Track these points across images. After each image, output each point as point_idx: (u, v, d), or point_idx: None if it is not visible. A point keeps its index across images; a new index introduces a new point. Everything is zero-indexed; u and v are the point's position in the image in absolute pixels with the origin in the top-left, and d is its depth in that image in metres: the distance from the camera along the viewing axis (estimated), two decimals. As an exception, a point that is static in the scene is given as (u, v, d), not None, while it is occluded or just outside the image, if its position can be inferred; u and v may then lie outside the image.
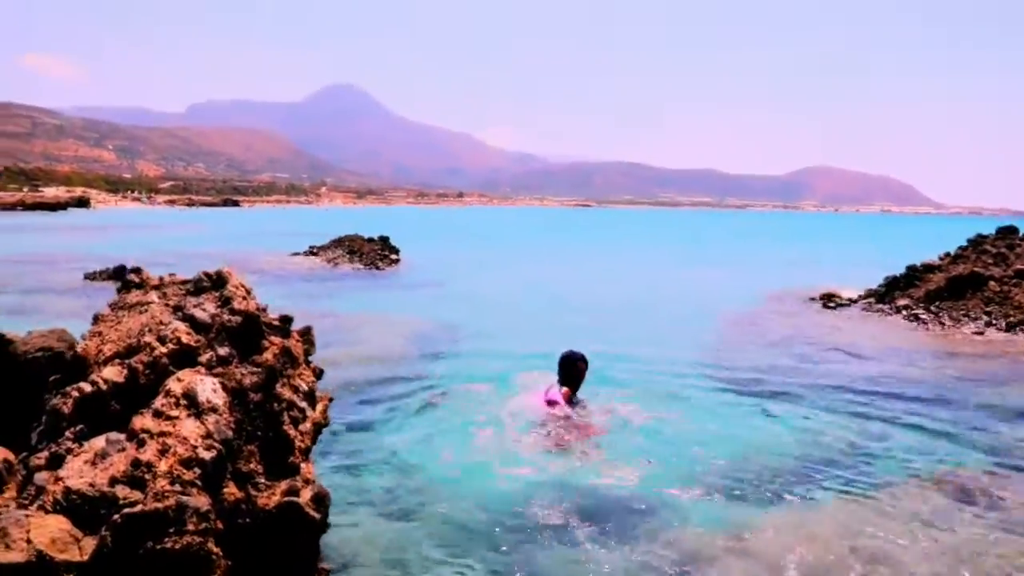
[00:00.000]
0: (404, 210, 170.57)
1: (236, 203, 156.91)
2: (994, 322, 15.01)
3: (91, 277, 20.22)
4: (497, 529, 5.53)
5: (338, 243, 29.33)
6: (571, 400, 8.57)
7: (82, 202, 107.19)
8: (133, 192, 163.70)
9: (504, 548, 5.26)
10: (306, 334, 4.52)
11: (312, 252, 28.94)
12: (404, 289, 20.87)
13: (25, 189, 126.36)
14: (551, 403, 8.45)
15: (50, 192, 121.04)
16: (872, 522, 5.83)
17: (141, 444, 3.40)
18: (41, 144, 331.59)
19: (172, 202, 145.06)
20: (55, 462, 3.66)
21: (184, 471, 3.29)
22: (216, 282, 4.62)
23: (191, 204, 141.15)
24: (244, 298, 4.39)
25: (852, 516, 5.95)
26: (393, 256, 27.99)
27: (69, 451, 3.69)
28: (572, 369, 8.67)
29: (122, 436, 3.56)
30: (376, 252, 27.96)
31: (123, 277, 17.85)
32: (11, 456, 4.16)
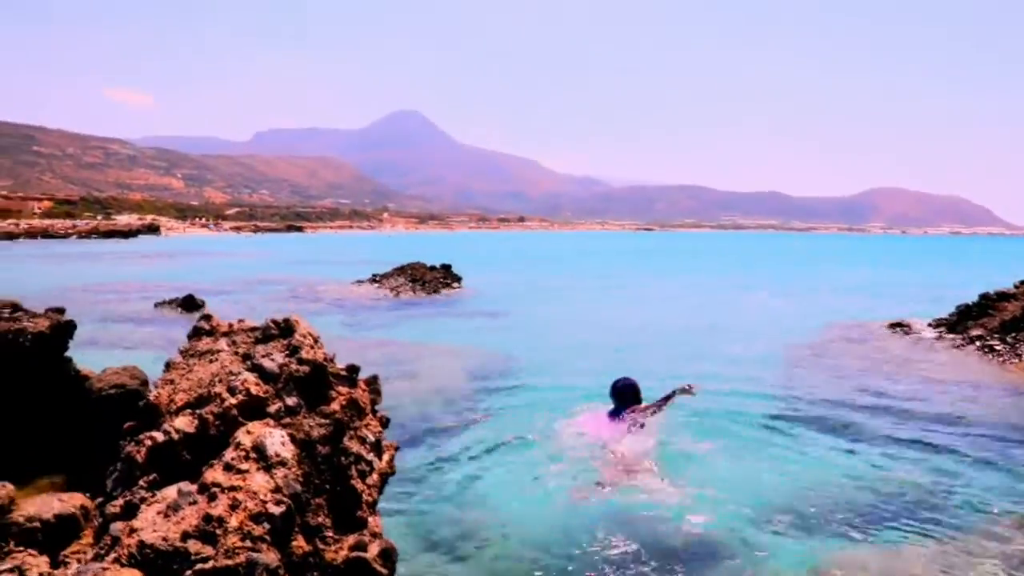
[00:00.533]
0: (466, 235, 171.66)
1: (300, 228, 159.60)
2: (1073, 354, 14.55)
3: (161, 306, 20.70)
4: (567, 569, 5.51)
5: (400, 271, 29.58)
6: (630, 426, 8.63)
7: (152, 229, 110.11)
8: (200, 219, 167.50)
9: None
10: (372, 383, 4.56)
11: (375, 280, 29.23)
12: (466, 318, 20.95)
13: (99, 217, 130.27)
14: (608, 430, 8.63)
15: (122, 220, 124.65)
16: (953, 565, 5.68)
17: (212, 498, 3.46)
18: (115, 173, 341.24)
19: (238, 228, 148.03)
20: (130, 511, 3.74)
21: (254, 526, 3.34)
22: (284, 330, 4.69)
23: (256, 230, 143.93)
24: (312, 347, 4.44)
25: (931, 559, 5.80)
26: (455, 284, 28.16)
27: (143, 500, 3.77)
28: (626, 396, 8.91)
29: (193, 487, 3.62)
30: (438, 280, 28.16)
31: (191, 307, 18.20)
32: (88, 503, 4.27)
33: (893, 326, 18.53)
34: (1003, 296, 18.24)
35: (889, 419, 10.14)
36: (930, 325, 18.62)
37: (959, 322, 18.11)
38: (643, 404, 9.02)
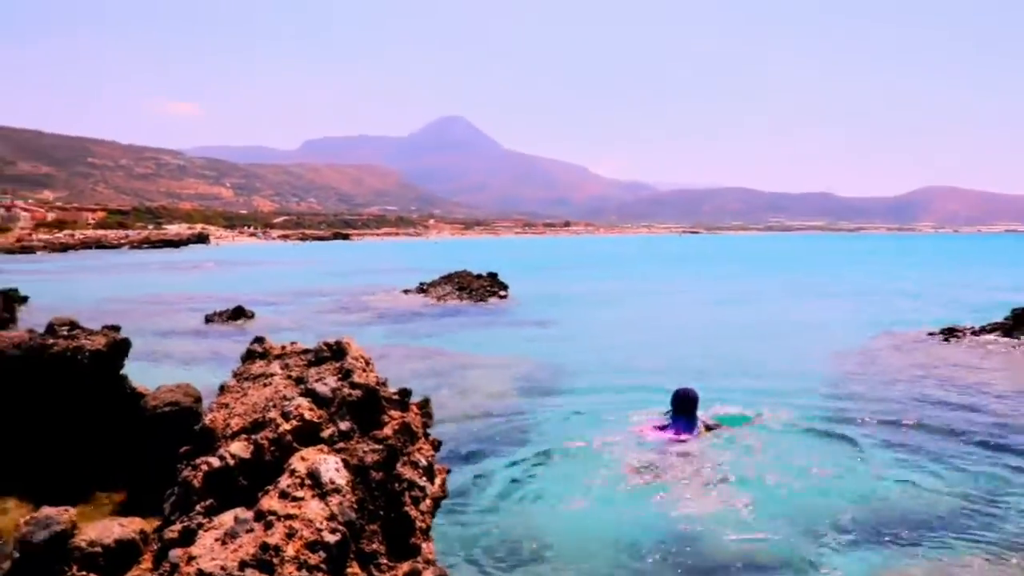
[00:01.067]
0: (511, 241, 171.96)
1: (346, 236, 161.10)
2: None
3: (211, 319, 21.00)
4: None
5: (447, 279, 29.70)
6: (686, 431, 9.05)
7: (201, 238, 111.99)
8: (249, 227, 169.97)
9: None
10: (424, 406, 4.58)
11: (422, 289, 29.38)
12: (513, 327, 20.97)
13: (151, 227, 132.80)
14: (669, 437, 8.95)
15: (172, 229, 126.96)
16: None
17: (269, 526, 3.50)
18: (165, 183, 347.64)
19: (285, 236, 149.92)
20: (187, 537, 3.80)
21: (310, 555, 3.37)
22: (336, 352, 4.73)
23: (303, 238, 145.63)
24: (364, 370, 4.48)
25: (986, 573, 5.69)
26: (502, 292, 28.20)
27: (200, 526, 3.82)
28: (685, 404, 9.20)
29: (250, 515, 3.67)
30: (485, 288, 28.22)
31: (241, 318, 18.41)
32: (147, 526, 4.34)
33: (945, 331, 18.16)
34: (1061, 299, 17.85)
35: (943, 429, 9.94)
36: (985, 330, 18.23)
37: (1015, 327, 17.73)
38: (705, 417, 9.41)
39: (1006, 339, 17.09)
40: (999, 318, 18.69)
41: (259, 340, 5.24)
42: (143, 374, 11.15)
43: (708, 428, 9.28)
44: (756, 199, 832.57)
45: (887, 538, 6.35)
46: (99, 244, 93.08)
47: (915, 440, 9.42)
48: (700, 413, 9.36)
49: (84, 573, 3.88)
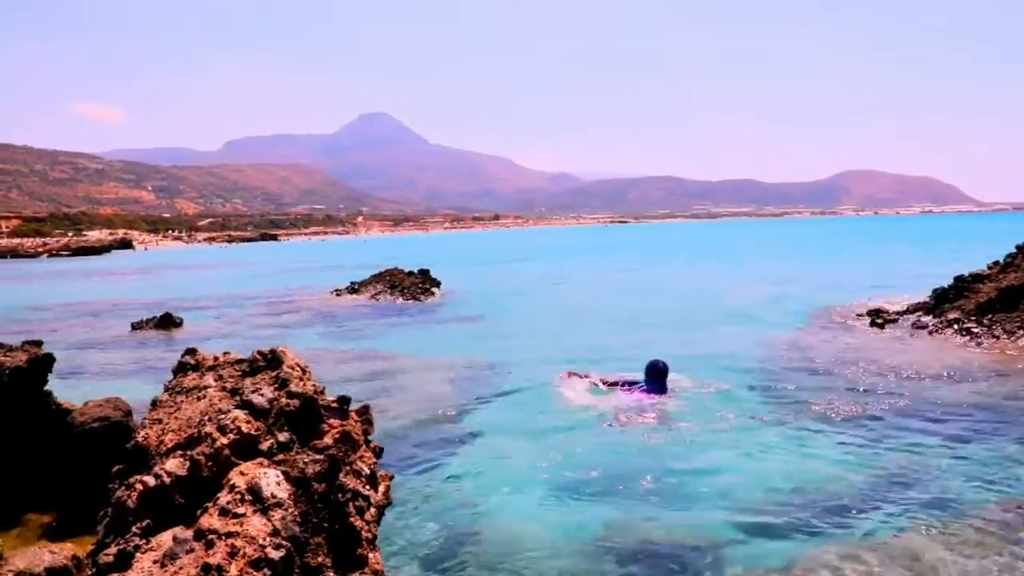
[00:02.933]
0: (441, 236, 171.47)
1: (274, 237, 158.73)
2: (1050, 333, 14.68)
3: (138, 327, 20.47)
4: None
5: (379, 278, 29.46)
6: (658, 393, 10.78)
7: (125, 243, 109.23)
8: (173, 231, 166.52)
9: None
10: (364, 413, 4.50)
11: (353, 289, 29.10)
12: (446, 324, 20.88)
13: (70, 234, 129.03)
14: (641, 397, 10.71)
15: (93, 235, 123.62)
16: (938, 554, 5.71)
17: (210, 545, 3.40)
18: (84, 188, 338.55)
19: (212, 239, 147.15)
20: (123, 560, 3.68)
21: (254, 573, 3.28)
22: (271, 362, 4.62)
23: (230, 240, 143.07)
24: (301, 379, 4.38)
25: (918, 548, 5.83)
26: (434, 289, 28.07)
27: (137, 548, 3.70)
28: (658, 373, 10.85)
29: (189, 534, 3.56)
30: (417, 285, 28.05)
31: (169, 325, 18.00)
32: (80, 551, 4.20)
33: (871, 313, 18.60)
34: (977, 278, 18.38)
35: (871, 409, 10.19)
36: (908, 310, 18.72)
37: (936, 306, 18.22)
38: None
39: (928, 317, 17.55)
40: (922, 298, 19.20)
41: (191, 352, 5.10)
42: (68, 388, 10.84)
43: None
44: (681, 187, 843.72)
45: (815, 518, 6.48)
46: (14, 253, 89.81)
47: (839, 419, 9.65)
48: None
49: (15, 604, 3.73)
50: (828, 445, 8.72)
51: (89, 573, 3.88)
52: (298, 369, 4.56)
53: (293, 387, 4.30)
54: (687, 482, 7.57)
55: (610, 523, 6.50)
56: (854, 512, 6.59)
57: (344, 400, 4.41)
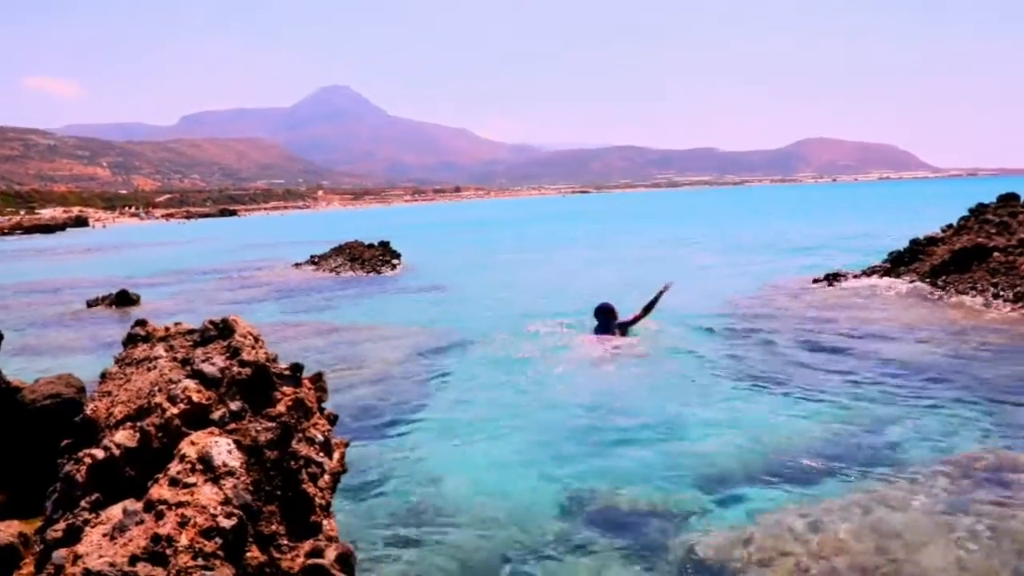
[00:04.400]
0: (402, 209, 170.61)
1: (233, 212, 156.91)
2: (1001, 293, 14.91)
3: (93, 304, 20.14)
4: (524, 546, 5.51)
5: (339, 251, 29.27)
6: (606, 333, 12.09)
7: (80, 221, 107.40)
8: (130, 208, 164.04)
9: (531, 564, 5.26)
10: (318, 380, 4.45)
11: (314, 262, 28.89)
12: (407, 295, 20.79)
13: (22, 212, 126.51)
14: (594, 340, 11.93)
15: (47, 213, 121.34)
16: (890, 510, 5.81)
17: (160, 516, 3.34)
18: (35, 165, 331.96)
19: (170, 215, 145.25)
20: (72, 535, 3.61)
21: (205, 542, 3.23)
22: (223, 331, 4.55)
23: (189, 216, 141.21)
24: (253, 347, 4.32)
25: (871, 505, 5.92)
26: (394, 261, 27.93)
27: (86, 522, 3.63)
28: (605, 314, 12.26)
29: (139, 506, 3.50)
30: (377, 257, 27.90)
31: (126, 303, 17.75)
32: (27, 529, 4.12)
33: (829, 276, 18.80)
34: (932, 240, 18.66)
35: (828, 368, 10.34)
36: (864, 273, 18.95)
37: (892, 269, 18.49)
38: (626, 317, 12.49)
39: (885, 280, 17.79)
40: (877, 261, 19.47)
41: (141, 323, 5.01)
42: (21, 366, 10.66)
43: (622, 332, 12.24)
44: (642, 157, 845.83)
45: (774, 476, 6.56)
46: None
47: (795, 381, 9.75)
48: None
49: (-39, 582, 3.66)
50: (783, 403, 8.83)
51: (37, 550, 3.81)
52: (250, 338, 4.49)
53: (245, 355, 4.24)
54: (647, 440, 7.65)
55: (571, 485, 6.53)
56: (811, 470, 6.68)
57: (297, 367, 4.36)
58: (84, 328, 16.98)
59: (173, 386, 4.07)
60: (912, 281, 16.91)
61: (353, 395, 9.90)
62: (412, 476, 6.99)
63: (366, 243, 29.72)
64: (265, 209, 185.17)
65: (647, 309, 12.81)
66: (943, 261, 17.03)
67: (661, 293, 13.04)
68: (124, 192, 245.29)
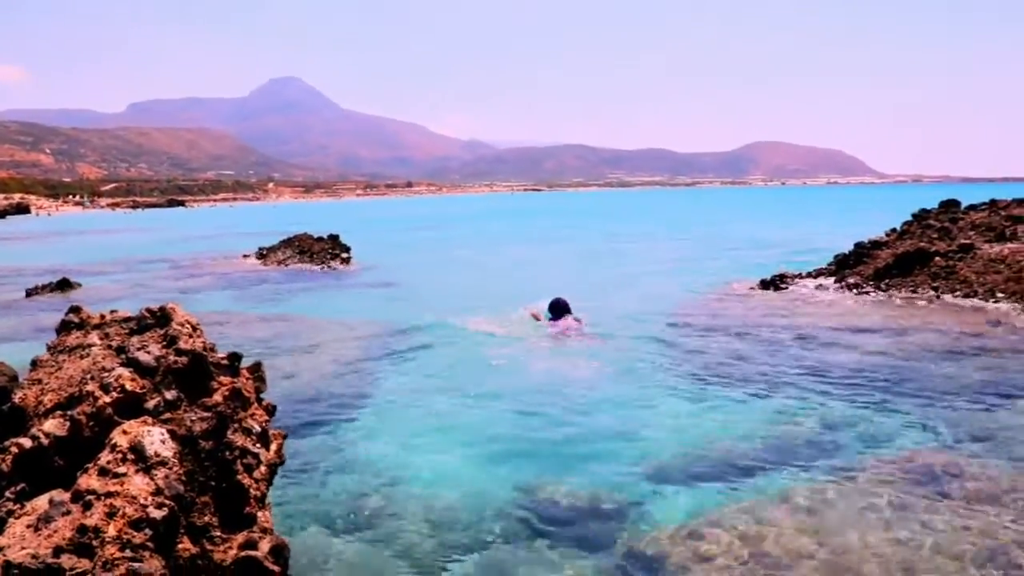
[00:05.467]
0: (353, 203, 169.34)
1: (182, 203, 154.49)
2: (942, 296, 15.25)
3: (33, 292, 19.67)
4: (465, 535, 5.49)
5: (288, 243, 28.93)
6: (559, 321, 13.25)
7: (21, 209, 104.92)
8: (74, 196, 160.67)
9: (474, 557, 5.24)
10: (256, 370, 4.38)
11: (262, 254, 28.54)
12: (356, 289, 20.64)
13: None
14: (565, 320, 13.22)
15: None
16: (832, 506, 5.89)
17: (88, 506, 3.26)
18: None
19: (115, 205, 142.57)
20: (-4, 525, 3.50)
21: (134, 534, 3.15)
22: (160, 319, 4.46)
23: (135, 206, 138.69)
24: (190, 336, 4.23)
25: (813, 502, 6.00)
26: (344, 255, 27.66)
27: (10, 513, 3.52)
28: (560, 307, 13.52)
29: (66, 497, 3.41)
30: (327, 251, 27.62)
31: (67, 289, 17.33)
32: (-50, 519, 3.99)
33: (776, 278, 19.02)
34: (876, 244, 18.99)
35: (773, 370, 10.45)
36: (810, 275, 19.21)
37: (837, 271, 18.79)
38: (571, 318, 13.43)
39: (830, 283, 18.05)
40: (823, 264, 19.76)
41: (75, 310, 4.89)
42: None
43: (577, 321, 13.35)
44: (595, 156, 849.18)
45: (718, 476, 6.62)
46: None
47: (743, 384, 9.82)
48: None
49: None
50: (727, 403, 8.91)
51: (-40, 540, 3.69)
52: (188, 326, 4.40)
53: (182, 344, 4.16)
54: (591, 436, 7.70)
55: (518, 481, 6.52)
56: (752, 468, 6.75)
57: (235, 357, 4.28)
58: (22, 315, 16.58)
59: (106, 374, 3.97)
60: (856, 283, 17.19)
61: (295, 386, 9.80)
62: (354, 468, 6.92)
63: (315, 236, 29.42)
64: (214, 200, 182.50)
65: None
66: (887, 264, 17.35)
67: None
68: (68, 180, 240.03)
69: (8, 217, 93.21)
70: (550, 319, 13.50)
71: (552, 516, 5.87)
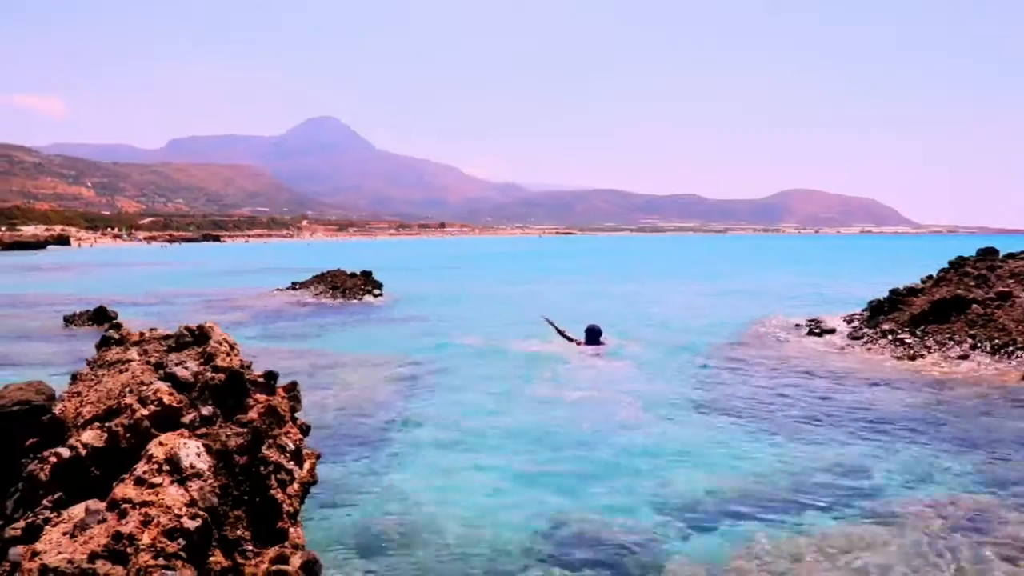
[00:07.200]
0: (386, 242, 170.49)
1: (217, 238, 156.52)
2: (979, 345, 15.00)
3: (71, 321, 19.95)
4: (488, 565, 5.44)
5: (320, 278, 29.15)
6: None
7: (62, 239, 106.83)
8: (113, 229, 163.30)
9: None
10: (292, 390, 4.40)
11: (294, 288, 28.77)
12: (387, 324, 20.71)
13: (3, 228, 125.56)
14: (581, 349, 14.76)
15: (29, 230, 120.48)
16: (863, 548, 5.79)
17: (123, 515, 3.28)
18: (19, 182, 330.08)
19: (152, 238, 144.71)
20: (32, 533, 3.53)
21: (168, 543, 3.17)
22: (198, 337, 4.50)
23: (172, 240, 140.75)
24: (227, 354, 4.27)
25: (846, 543, 5.90)
26: (376, 291, 27.83)
27: (47, 521, 3.56)
28: (593, 333, 15.27)
29: (102, 505, 3.43)
30: (359, 286, 27.80)
31: (103, 320, 17.55)
32: (-14, 527, 4.02)
33: (810, 323, 18.87)
34: (912, 291, 18.76)
35: (806, 414, 10.32)
36: (844, 321, 19.03)
37: (871, 318, 18.56)
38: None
39: (865, 329, 17.84)
40: (857, 310, 19.57)
41: (116, 326, 4.95)
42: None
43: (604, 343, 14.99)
44: (627, 201, 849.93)
45: (748, 517, 6.52)
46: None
47: (775, 427, 9.71)
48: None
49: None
50: (761, 442, 8.81)
51: (-4, 548, 3.72)
52: (225, 345, 4.45)
53: (219, 361, 4.20)
54: (623, 467, 7.64)
55: (546, 511, 6.47)
56: (787, 507, 6.66)
57: (271, 376, 4.31)
58: (60, 343, 16.81)
59: (145, 388, 4.01)
60: (891, 330, 16.98)
61: (328, 415, 9.82)
62: (384, 495, 6.91)
63: (348, 272, 29.63)
64: (248, 236, 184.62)
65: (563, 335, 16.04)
66: (922, 311, 17.11)
67: (551, 323, 16.49)
68: (107, 213, 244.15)
69: (49, 247, 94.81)
70: (584, 342, 15.25)
71: (581, 547, 5.81)
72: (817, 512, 6.56)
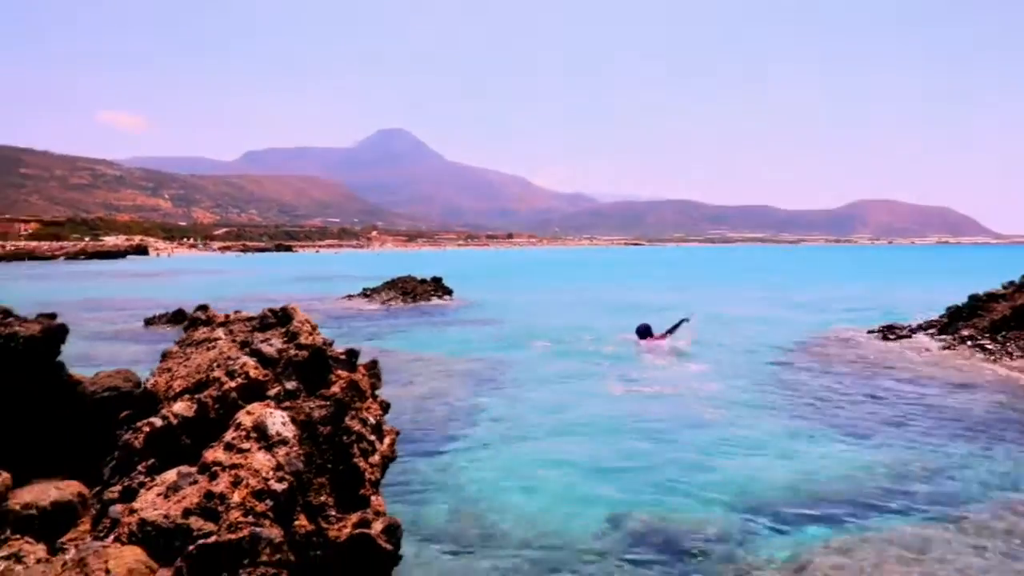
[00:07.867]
0: (455, 252, 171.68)
1: (289, 248, 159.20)
2: (1064, 351, 14.59)
3: (151, 322, 20.56)
4: (559, 561, 5.48)
5: (391, 285, 29.52)
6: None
7: (140, 249, 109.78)
8: (189, 239, 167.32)
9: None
10: (372, 368, 4.52)
11: (366, 294, 29.17)
12: (457, 326, 20.90)
13: (87, 238, 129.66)
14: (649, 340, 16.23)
15: (110, 240, 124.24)
16: (939, 549, 5.69)
17: (213, 476, 3.42)
18: (102, 194, 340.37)
19: (226, 248, 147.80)
20: (128, 495, 3.70)
21: (256, 503, 3.30)
22: (282, 318, 4.65)
23: (245, 250, 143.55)
24: (310, 333, 4.41)
25: (919, 544, 5.81)
26: (446, 296, 28.10)
27: (142, 484, 3.72)
28: (645, 331, 16.94)
29: (193, 469, 3.58)
30: (429, 292, 28.12)
31: (182, 320, 18.02)
32: (85, 490, 4.21)
33: (884, 328, 18.53)
34: (992, 297, 18.28)
35: (878, 412, 10.20)
36: (921, 327, 18.64)
37: (950, 323, 18.14)
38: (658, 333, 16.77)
39: (942, 335, 17.46)
40: (934, 317, 19.16)
41: (203, 308, 5.14)
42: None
43: (670, 332, 16.68)
44: (697, 211, 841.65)
45: (821, 514, 6.45)
46: (31, 255, 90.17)
47: (854, 427, 9.59)
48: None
49: (19, 536, 3.74)
50: (835, 443, 8.72)
51: (94, 511, 3.90)
52: (308, 325, 4.59)
53: (303, 339, 4.33)
54: (695, 464, 7.62)
55: (620, 504, 6.49)
56: (861, 509, 6.57)
57: (353, 353, 4.43)
58: (142, 343, 17.35)
59: (232, 362, 4.17)
60: (971, 336, 16.58)
61: (404, 409, 9.96)
62: (457, 491, 6.99)
63: (418, 278, 29.97)
64: (319, 246, 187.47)
65: (670, 331, 17.14)
66: (1003, 317, 16.68)
67: (683, 321, 17.36)
68: (183, 224, 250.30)
69: (129, 256, 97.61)
70: (638, 339, 16.85)
71: (652, 544, 5.81)
72: (891, 515, 6.46)
